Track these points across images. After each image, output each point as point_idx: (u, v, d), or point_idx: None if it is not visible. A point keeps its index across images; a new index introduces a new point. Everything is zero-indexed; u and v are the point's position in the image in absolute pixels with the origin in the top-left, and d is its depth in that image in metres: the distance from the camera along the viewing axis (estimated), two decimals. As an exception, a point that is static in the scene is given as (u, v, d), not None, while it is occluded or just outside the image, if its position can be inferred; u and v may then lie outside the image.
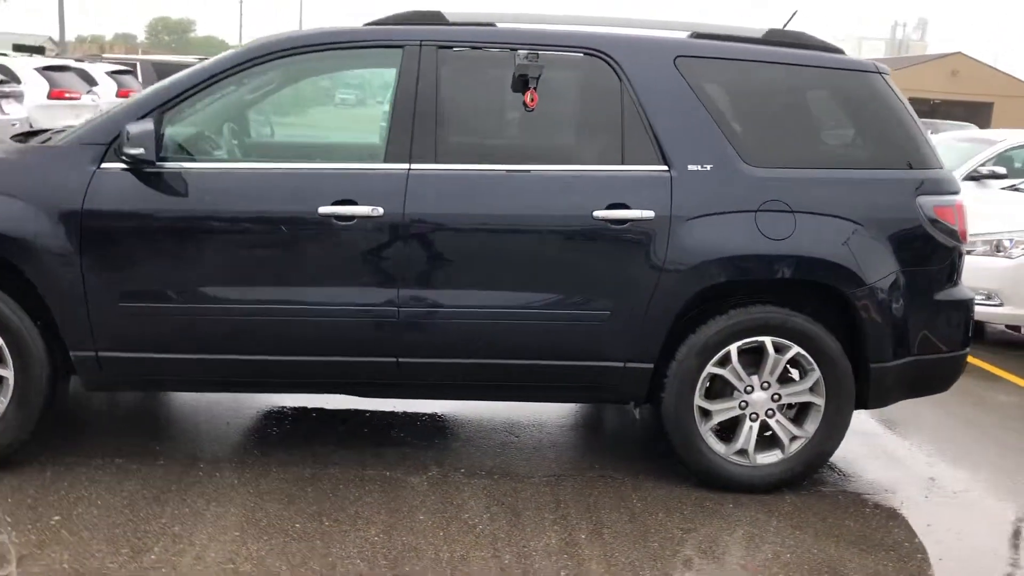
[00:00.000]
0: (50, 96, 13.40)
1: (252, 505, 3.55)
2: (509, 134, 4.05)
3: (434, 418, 4.63)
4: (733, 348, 3.82)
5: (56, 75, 13.99)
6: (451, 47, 3.83)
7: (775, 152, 3.93)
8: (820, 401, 3.90)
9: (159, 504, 3.52)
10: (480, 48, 3.91)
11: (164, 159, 3.63)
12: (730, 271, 3.81)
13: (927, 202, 3.91)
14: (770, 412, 3.90)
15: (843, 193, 3.87)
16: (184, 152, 3.80)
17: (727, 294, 3.88)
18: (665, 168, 3.77)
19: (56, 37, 35.06)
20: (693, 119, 3.82)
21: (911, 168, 3.95)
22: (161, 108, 3.65)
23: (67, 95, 13.67)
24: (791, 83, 4.02)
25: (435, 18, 3.93)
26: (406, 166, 3.69)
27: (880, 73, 4.02)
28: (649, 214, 3.73)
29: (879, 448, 4.61)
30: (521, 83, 3.73)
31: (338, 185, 3.67)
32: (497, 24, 3.95)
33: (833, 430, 3.93)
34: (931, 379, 4.10)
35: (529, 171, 3.77)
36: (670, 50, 3.90)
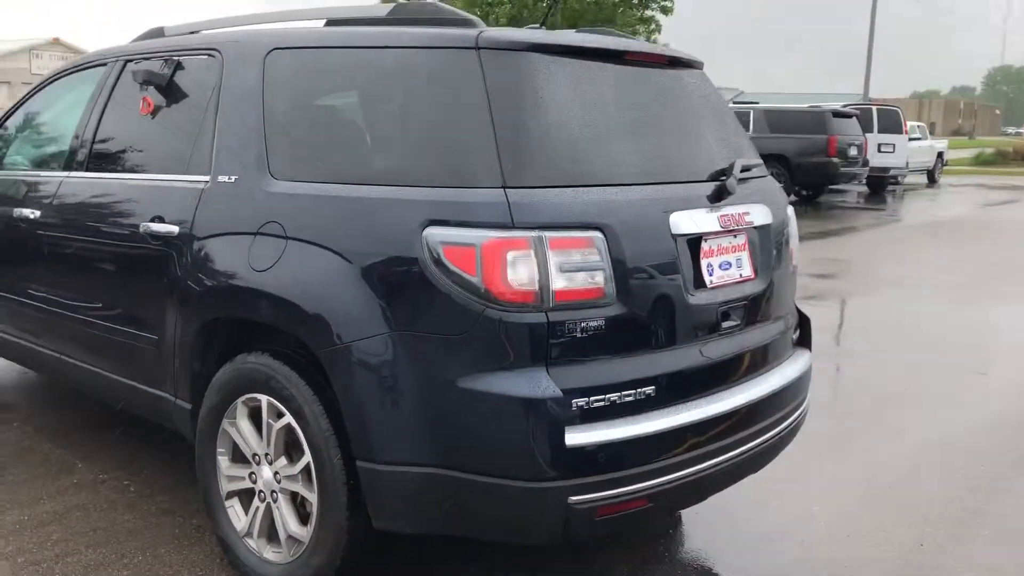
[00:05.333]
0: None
1: None
2: (128, 144, 3.88)
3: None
4: (239, 403, 3.09)
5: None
6: (133, 60, 3.87)
7: (306, 162, 3.06)
8: (311, 495, 2.88)
9: None
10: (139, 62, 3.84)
11: None
12: (220, 306, 3.13)
13: (435, 236, 2.57)
14: (275, 495, 3.02)
15: (342, 216, 2.80)
16: None
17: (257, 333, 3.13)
18: (207, 179, 3.25)
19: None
20: (246, 122, 3.20)
21: (442, 187, 2.62)
22: None
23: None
24: (365, 71, 3.01)
25: (154, 33, 4.01)
26: (65, 174, 3.95)
27: (478, 48, 2.69)
28: (173, 230, 3.28)
29: None
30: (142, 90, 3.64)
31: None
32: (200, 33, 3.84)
33: (323, 542, 2.85)
34: (478, 512, 2.62)
35: (86, 178, 3.85)
36: (266, 44, 3.30)
